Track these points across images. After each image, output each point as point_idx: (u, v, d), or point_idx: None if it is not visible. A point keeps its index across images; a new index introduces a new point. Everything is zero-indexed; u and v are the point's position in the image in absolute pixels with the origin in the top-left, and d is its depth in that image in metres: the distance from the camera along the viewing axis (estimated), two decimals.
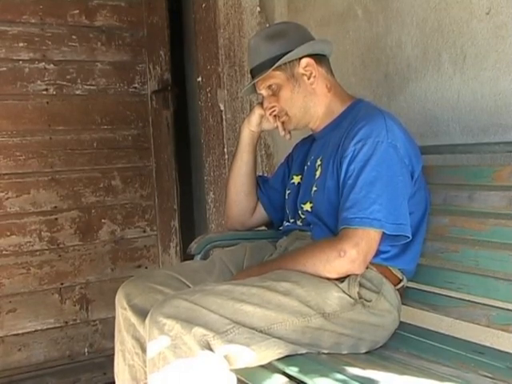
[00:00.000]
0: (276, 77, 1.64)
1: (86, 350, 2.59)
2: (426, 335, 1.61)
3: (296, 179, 1.79)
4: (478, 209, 1.56)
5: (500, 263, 1.46)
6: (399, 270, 1.57)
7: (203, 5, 2.57)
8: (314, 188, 1.64)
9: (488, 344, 1.55)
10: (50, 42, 2.54)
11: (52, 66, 2.55)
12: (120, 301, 1.63)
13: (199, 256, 1.87)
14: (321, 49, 1.68)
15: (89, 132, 2.61)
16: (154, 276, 1.67)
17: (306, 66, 1.64)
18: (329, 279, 1.47)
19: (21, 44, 2.49)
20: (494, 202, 1.51)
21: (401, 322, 1.59)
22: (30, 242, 2.50)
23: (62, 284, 2.55)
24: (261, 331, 1.36)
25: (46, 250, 2.52)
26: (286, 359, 1.37)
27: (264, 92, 1.69)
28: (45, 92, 2.54)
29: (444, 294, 1.62)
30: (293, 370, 1.31)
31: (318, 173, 1.65)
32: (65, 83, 2.57)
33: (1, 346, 2.45)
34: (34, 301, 2.49)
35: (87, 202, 2.62)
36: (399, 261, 1.56)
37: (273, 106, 1.69)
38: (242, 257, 1.78)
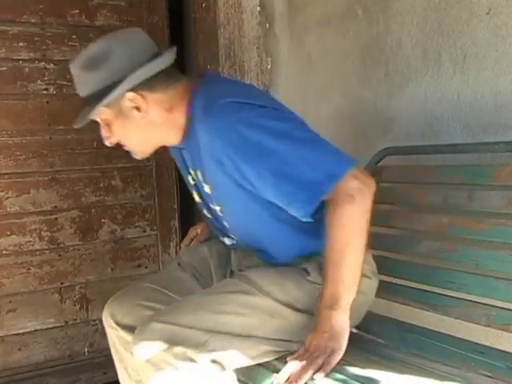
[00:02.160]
0: (103, 113, 1.47)
1: (86, 349, 2.59)
2: (426, 335, 1.61)
3: (196, 197, 1.66)
4: (478, 208, 1.56)
5: (500, 263, 1.46)
6: None
7: (203, 4, 2.57)
8: (217, 207, 1.54)
9: (488, 344, 1.55)
10: (50, 42, 2.54)
11: (52, 65, 2.55)
12: (107, 320, 1.63)
13: None
14: (152, 70, 1.43)
15: (89, 132, 2.60)
16: (139, 291, 1.63)
17: (132, 99, 1.43)
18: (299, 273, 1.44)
19: (21, 44, 2.49)
20: (494, 202, 1.51)
21: (401, 322, 1.59)
22: (30, 241, 2.50)
23: (62, 284, 2.55)
24: (239, 335, 1.35)
25: (46, 249, 2.53)
26: (286, 358, 1.37)
27: (99, 120, 1.52)
28: (45, 92, 2.54)
29: (444, 293, 1.61)
30: None
31: (207, 189, 1.53)
32: (65, 83, 2.57)
33: (1, 345, 2.45)
34: (34, 300, 2.50)
35: (87, 202, 2.62)
36: None
37: (109, 136, 1.52)
38: (207, 259, 1.73)
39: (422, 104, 1.92)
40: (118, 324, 1.59)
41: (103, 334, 2.50)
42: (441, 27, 1.83)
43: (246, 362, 1.38)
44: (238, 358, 1.35)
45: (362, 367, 1.32)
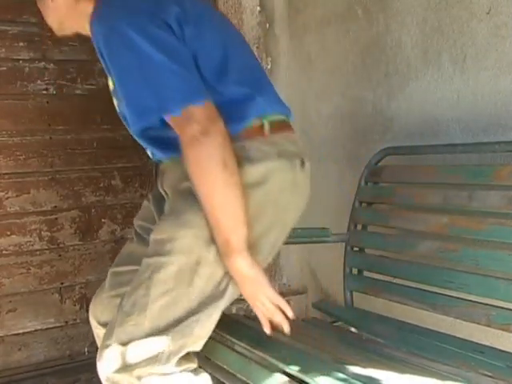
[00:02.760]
0: None
1: (86, 349, 2.58)
2: (426, 334, 1.61)
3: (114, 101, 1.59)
4: (478, 208, 1.56)
5: (500, 263, 1.47)
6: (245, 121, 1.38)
7: None
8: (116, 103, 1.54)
9: (488, 343, 1.56)
10: (49, 42, 2.54)
11: (52, 65, 2.55)
12: (91, 322, 1.63)
13: None
14: None
15: (89, 132, 2.61)
16: (104, 284, 1.64)
17: None
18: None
19: (21, 43, 2.48)
20: (493, 202, 1.52)
21: (401, 322, 1.59)
22: (30, 241, 2.50)
23: (62, 284, 2.55)
24: (181, 319, 1.33)
25: (46, 249, 2.53)
26: (286, 358, 1.37)
27: None
28: (45, 92, 2.53)
29: (444, 293, 1.62)
30: (293, 369, 1.31)
31: (111, 85, 1.52)
32: (65, 83, 2.57)
33: (1, 345, 2.45)
34: (34, 300, 2.50)
35: (87, 202, 2.62)
36: (235, 115, 1.35)
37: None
38: (151, 213, 1.66)
39: (421, 104, 1.93)
40: (99, 323, 1.59)
41: None
42: (441, 27, 1.84)
43: (208, 331, 1.37)
44: (198, 337, 1.35)
45: (363, 367, 1.32)
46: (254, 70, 1.55)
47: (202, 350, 1.40)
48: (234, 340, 1.58)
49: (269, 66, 2.53)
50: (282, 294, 2.60)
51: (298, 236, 2.00)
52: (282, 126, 1.48)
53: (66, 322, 2.56)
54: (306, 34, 2.44)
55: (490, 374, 1.30)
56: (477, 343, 1.53)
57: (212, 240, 1.33)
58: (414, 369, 1.33)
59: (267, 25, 2.53)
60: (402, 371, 1.31)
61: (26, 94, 2.50)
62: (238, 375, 1.41)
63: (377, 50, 2.08)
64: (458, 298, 1.57)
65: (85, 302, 2.59)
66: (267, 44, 2.53)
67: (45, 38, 2.53)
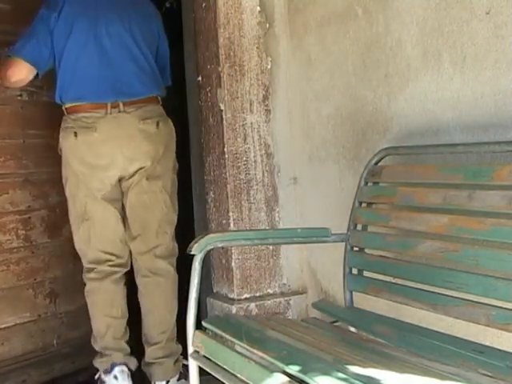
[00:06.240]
0: None
1: (55, 341, 2.68)
2: (426, 334, 1.61)
3: None
4: (478, 208, 1.56)
5: (500, 262, 1.47)
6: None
7: (203, 4, 2.57)
8: None
9: (488, 343, 1.56)
10: None
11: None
12: None
13: (199, 256, 1.87)
14: None
15: (55, 136, 2.67)
16: None
17: None
18: None
19: None
20: (493, 202, 1.51)
21: (401, 322, 1.59)
22: (9, 240, 2.58)
23: (35, 279, 2.64)
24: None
25: (22, 247, 2.62)
26: (286, 358, 1.37)
27: None
28: (19, 97, 2.61)
29: (444, 293, 1.62)
30: (293, 369, 1.31)
31: None
32: (34, 89, 2.62)
33: None
34: (13, 296, 2.58)
35: (53, 202, 2.72)
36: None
37: None
38: None
39: (422, 104, 1.93)
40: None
41: (69, 326, 2.71)
42: (441, 27, 1.84)
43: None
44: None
45: (363, 367, 1.32)
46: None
47: (202, 351, 1.40)
48: (234, 340, 1.58)
49: (269, 66, 2.54)
50: (282, 294, 2.63)
51: (298, 236, 2.00)
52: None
53: (39, 316, 2.64)
54: (306, 33, 2.44)
55: (489, 373, 1.31)
56: (477, 343, 1.53)
57: None
58: (414, 369, 1.33)
59: (267, 25, 2.53)
60: (402, 371, 1.31)
61: (5, 98, 2.56)
62: (238, 375, 1.41)
63: (377, 50, 2.08)
64: (457, 297, 1.57)
65: (53, 296, 2.70)
66: (267, 44, 2.53)
67: None
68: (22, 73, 2.26)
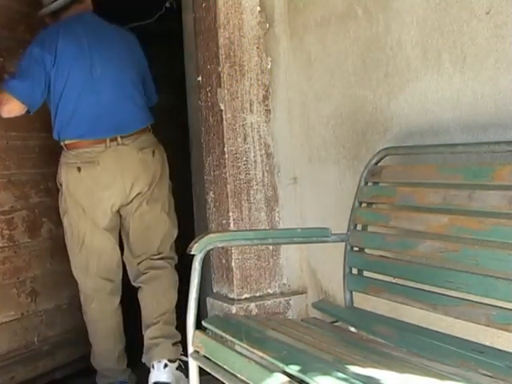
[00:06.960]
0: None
1: (35, 339, 2.73)
2: (426, 334, 1.61)
3: None
4: (478, 208, 1.56)
5: (500, 262, 1.47)
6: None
7: (203, 4, 2.57)
8: None
9: (488, 343, 1.56)
10: (5, 54, 2.60)
11: (7, 77, 2.57)
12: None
13: (199, 256, 1.87)
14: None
15: (33, 138, 2.75)
16: None
17: None
18: None
19: None
20: (493, 202, 1.52)
21: (401, 322, 1.59)
22: None
23: (18, 278, 2.68)
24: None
25: (6, 246, 2.65)
26: (286, 358, 1.37)
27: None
28: None
29: (444, 293, 1.62)
30: (293, 369, 1.32)
31: None
32: None
33: None
34: (0, 295, 2.61)
35: (33, 202, 2.77)
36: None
37: None
38: None
39: (422, 104, 1.93)
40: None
41: (48, 325, 2.77)
42: (441, 27, 1.84)
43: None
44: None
45: (363, 367, 1.33)
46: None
47: (202, 351, 1.40)
48: (234, 340, 1.58)
49: (269, 66, 2.54)
50: (282, 294, 2.63)
51: (298, 236, 2.00)
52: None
53: (22, 314, 2.69)
54: (306, 33, 2.44)
55: (489, 373, 1.31)
56: (477, 343, 1.53)
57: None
58: (414, 369, 1.33)
59: (267, 25, 2.53)
60: (402, 371, 1.31)
61: None
62: (238, 375, 1.41)
63: (377, 49, 2.08)
64: (457, 297, 1.58)
65: (34, 295, 2.75)
66: (267, 44, 2.53)
67: (2, 51, 2.60)
68: (14, 111, 2.38)
